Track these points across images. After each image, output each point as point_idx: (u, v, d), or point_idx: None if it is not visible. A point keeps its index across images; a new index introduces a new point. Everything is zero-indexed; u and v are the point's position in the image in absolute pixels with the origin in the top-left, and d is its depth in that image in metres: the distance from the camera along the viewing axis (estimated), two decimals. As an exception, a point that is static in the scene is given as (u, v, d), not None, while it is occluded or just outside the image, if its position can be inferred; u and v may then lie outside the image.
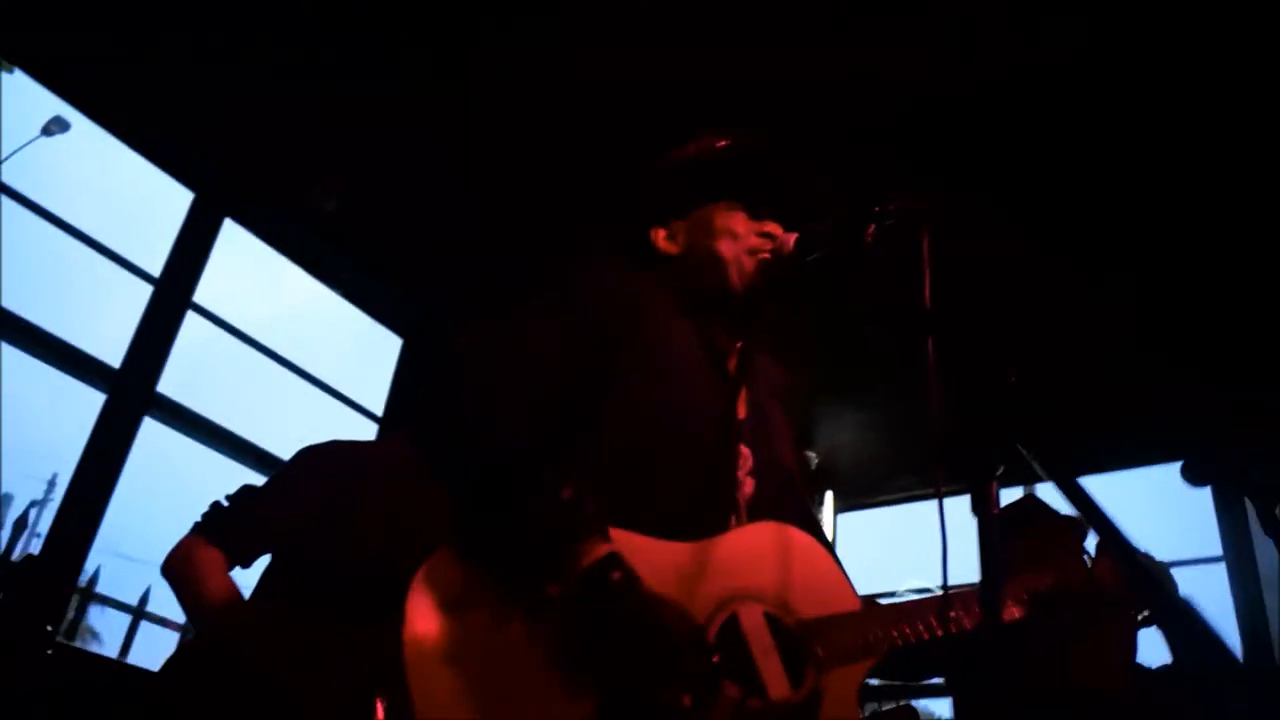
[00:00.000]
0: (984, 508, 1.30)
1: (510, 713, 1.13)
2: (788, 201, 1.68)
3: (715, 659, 1.20)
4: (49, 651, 2.56)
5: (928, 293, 1.52)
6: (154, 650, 3.62)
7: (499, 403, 1.28)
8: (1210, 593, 4.16)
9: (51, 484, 24.89)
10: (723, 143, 1.67)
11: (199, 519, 2.08)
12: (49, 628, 2.59)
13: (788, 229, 1.66)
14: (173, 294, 3.54)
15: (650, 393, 1.43)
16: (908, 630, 1.41)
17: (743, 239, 1.61)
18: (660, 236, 1.66)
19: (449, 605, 1.17)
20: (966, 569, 1.47)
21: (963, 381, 1.48)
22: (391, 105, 3.67)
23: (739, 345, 1.65)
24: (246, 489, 2.16)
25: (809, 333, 3.82)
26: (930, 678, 2.41)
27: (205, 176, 3.75)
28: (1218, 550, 4.10)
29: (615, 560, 1.17)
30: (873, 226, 1.59)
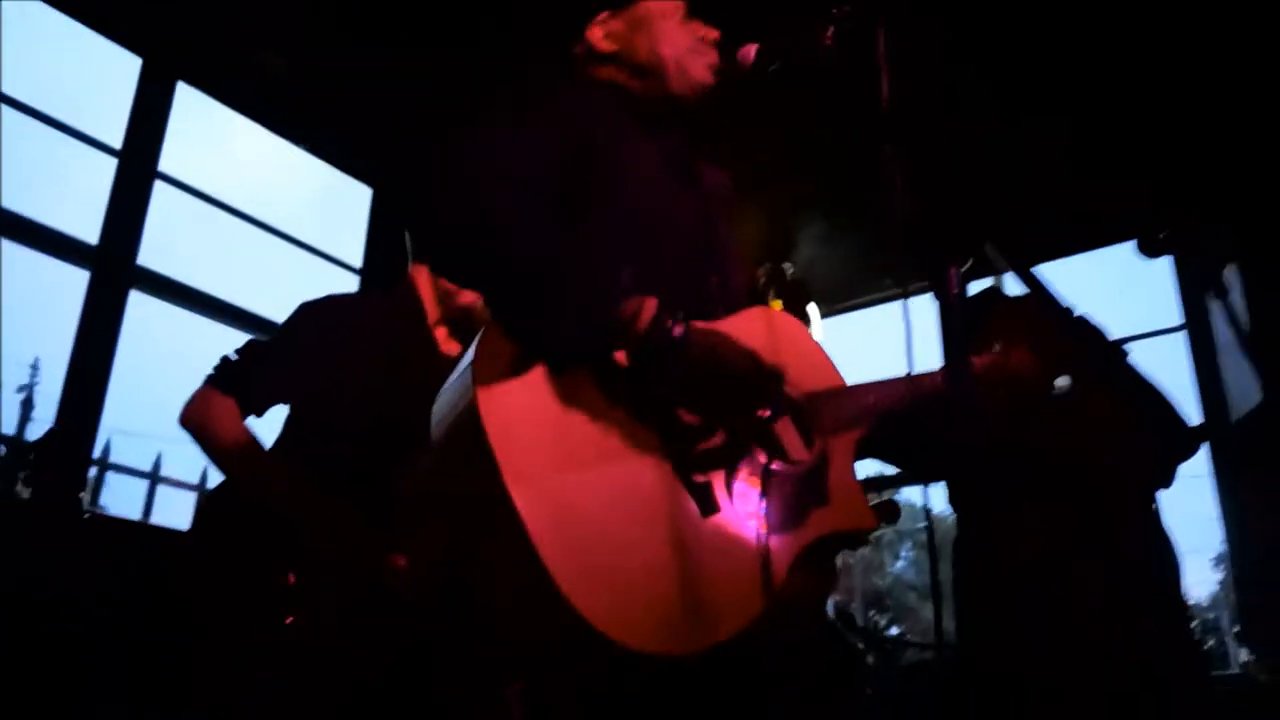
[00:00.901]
0: (944, 294, 1.41)
1: (599, 468, 1.21)
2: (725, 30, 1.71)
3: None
4: (85, 518, 2.70)
5: (885, 94, 1.58)
6: (173, 511, 3.78)
7: (519, 208, 1.30)
8: (1174, 362, 4.37)
9: (35, 367, 24.92)
10: None
11: (210, 372, 2.16)
12: (81, 495, 2.73)
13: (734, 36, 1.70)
14: (138, 165, 3.51)
15: (630, 218, 1.48)
16: (888, 396, 1.55)
17: (682, 40, 1.62)
18: (597, 35, 1.65)
19: (517, 377, 1.21)
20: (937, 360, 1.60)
21: (922, 180, 1.56)
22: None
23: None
24: (252, 343, 2.23)
25: (776, 146, 3.86)
26: (912, 461, 2.59)
27: (152, 39, 3.66)
28: (1178, 320, 4.27)
29: (665, 314, 1.25)
30: (831, 29, 1.64)
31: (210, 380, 2.15)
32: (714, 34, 1.65)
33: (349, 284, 4.45)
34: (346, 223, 4.74)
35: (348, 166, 4.60)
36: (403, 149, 4.50)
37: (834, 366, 1.58)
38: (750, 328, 1.47)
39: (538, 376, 1.24)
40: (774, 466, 1.33)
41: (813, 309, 5.23)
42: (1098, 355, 2.38)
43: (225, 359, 2.17)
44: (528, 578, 1.10)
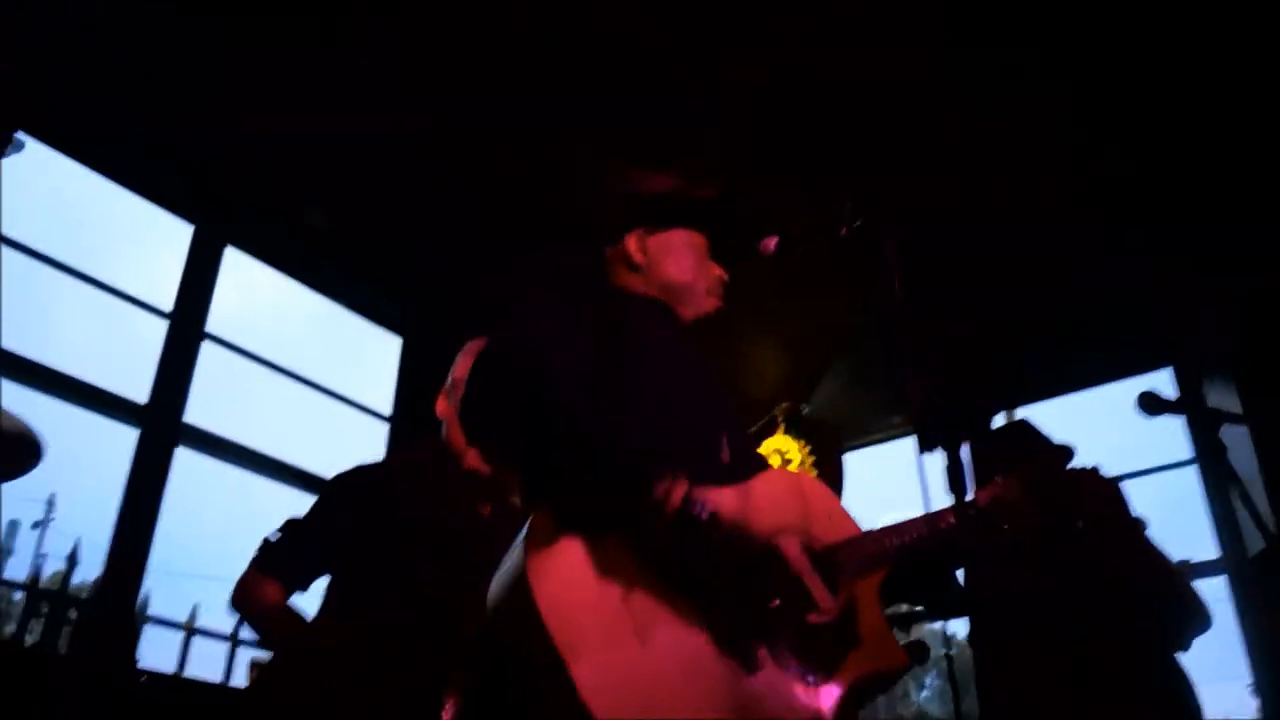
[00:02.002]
0: (954, 473, 1.56)
1: (645, 636, 1.33)
2: (750, 230, 1.93)
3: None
4: (142, 680, 2.79)
5: (897, 285, 1.76)
6: (206, 662, 3.83)
7: (571, 393, 1.47)
8: (1185, 497, 4.44)
9: (50, 504, 24.96)
10: (692, 187, 1.91)
11: (253, 556, 2.29)
12: (134, 655, 2.82)
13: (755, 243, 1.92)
14: (187, 326, 3.71)
15: (654, 393, 1.65)
16: (905, 538, 1.67)
17: (699, 275, 1.87)
18: (633, 246, 1.88)
19: (563, 560, 1.35)
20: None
21: (933, 359, 1.71)
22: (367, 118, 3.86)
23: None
24: (290, 523, 2.36)
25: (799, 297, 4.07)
26: (932, 597, 2.67)
27: (202, 207, 3.90)
28: (1188, 454, 4.37)
29: (694, 496, 1.42)
30: (845, 228, 1.83)
31: (254, 563, 2.27)
32: (723, 275, 1.89)
33: (380, 431, 4.60)
34: (378, 372, 4.91)
35: (380, 318, 4.81)
36: (428, 310, 4.72)
37: (852, 520, 1.72)
38: (776, 486, 1.64)
39: (580, 551, 1.37)
40: (809, 617, 1.47)
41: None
42: (1109, 505, 2.51)
43: (266, 541, 2.30)
44: None
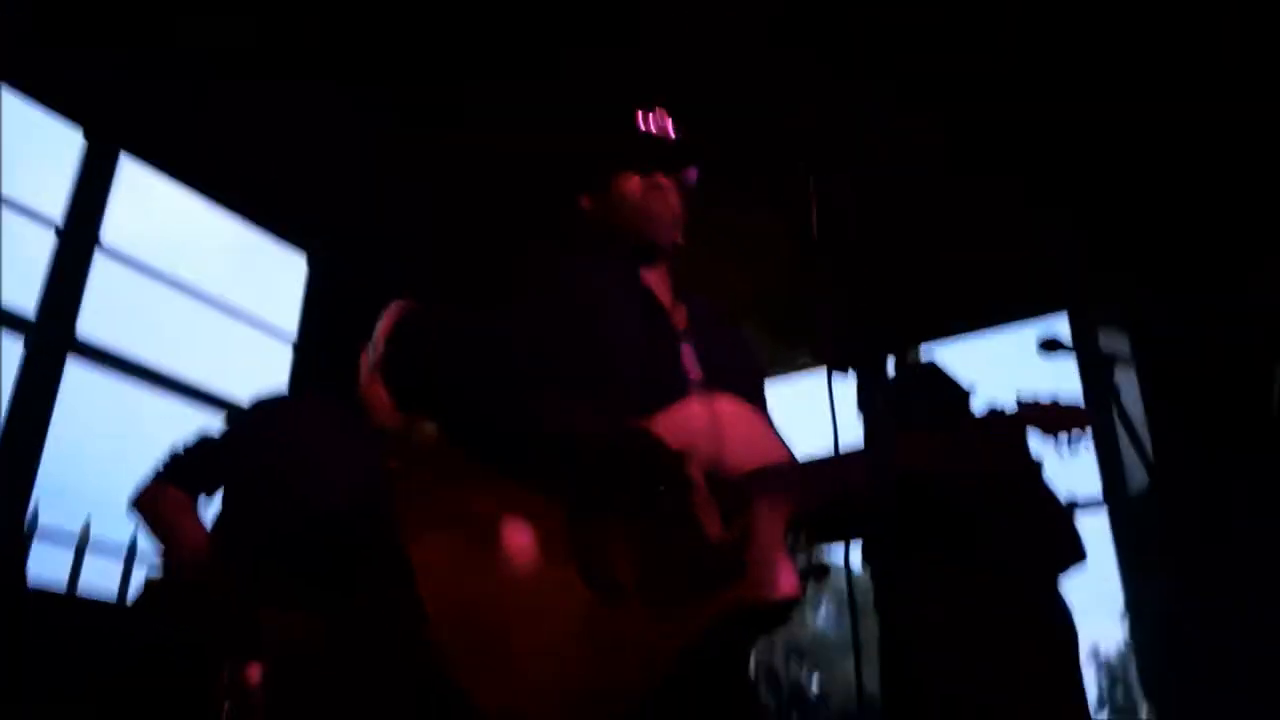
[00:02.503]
0: (870, 393, 1.60)
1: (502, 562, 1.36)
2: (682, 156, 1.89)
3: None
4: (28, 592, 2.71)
5: (814, 223, 1.77)
6: (100, 578, 3.74)
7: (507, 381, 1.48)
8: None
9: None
10: (634, 128, 1.85)
11: (161, 460, 2.25)
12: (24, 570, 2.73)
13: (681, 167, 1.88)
14: (79, 237, 3.54)
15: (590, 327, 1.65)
16: (816, 475, 1.68)
17: (643, 196, 1.83)
18: (587, 204, 1.87)
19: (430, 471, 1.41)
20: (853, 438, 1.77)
21: (851, 280, 1.74)
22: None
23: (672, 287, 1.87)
24: (203, 439, 2.32)
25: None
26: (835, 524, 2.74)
27: (93, 110, 3.70)
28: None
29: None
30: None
31: (161, 467, 2.23)
32: (663, 178, 1.82)
33: (284, 353, 4.49)
34: (281, 291, 4.79)
35: (285, 234, 4.66)
36: (336, 227, 4.59)
37: (782, 444, 1.69)
38: (689, 414, 1.60)
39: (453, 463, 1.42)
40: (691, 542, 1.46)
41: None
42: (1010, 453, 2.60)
43: (175, 454, 2.26)
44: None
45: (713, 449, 1.57)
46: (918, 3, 3.42)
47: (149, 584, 2.42)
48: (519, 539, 1.38)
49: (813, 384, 6.07)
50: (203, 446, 2.33)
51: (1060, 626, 2.75)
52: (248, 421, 2.40)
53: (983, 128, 3.98)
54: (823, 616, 28.54)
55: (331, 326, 4.51)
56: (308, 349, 4.46)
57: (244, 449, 2.33)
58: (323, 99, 4.18)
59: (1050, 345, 2.39)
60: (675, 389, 1.62)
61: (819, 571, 3.31)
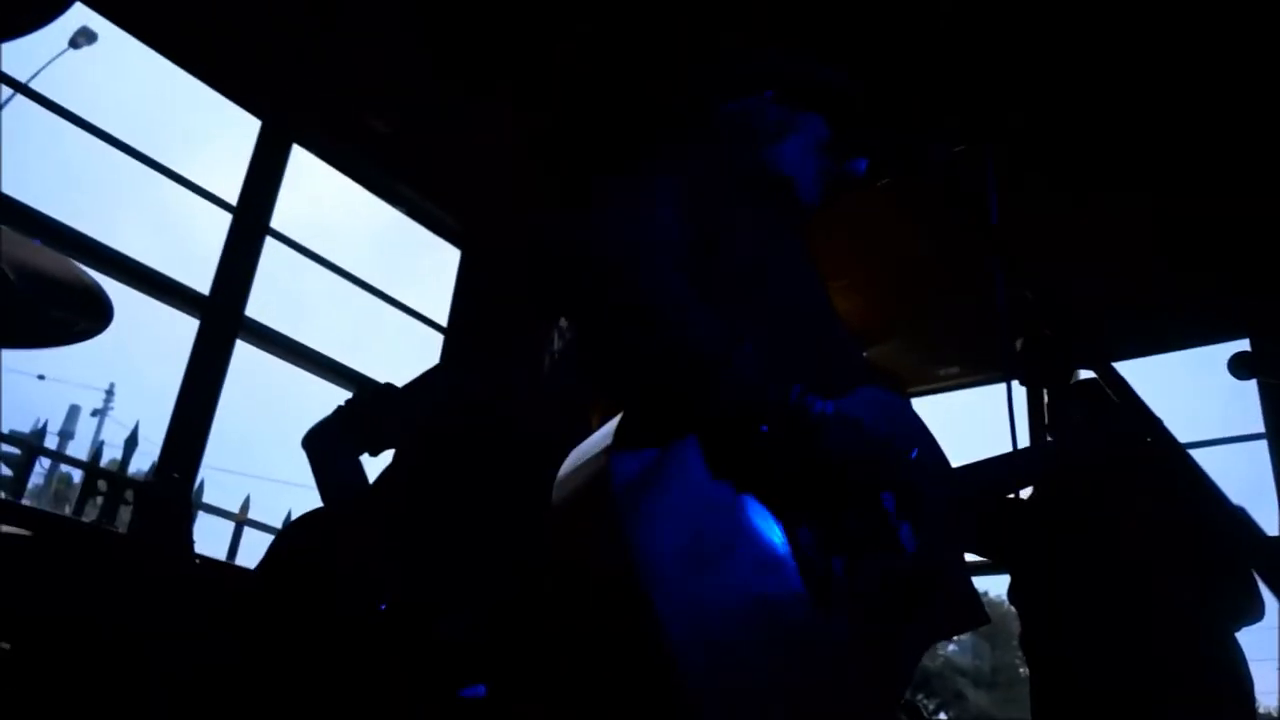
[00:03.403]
0: (1058, 400, 1.49)
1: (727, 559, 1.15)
2: (860, 133, 1.78)
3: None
4: (197, 561, 2.85)
5: (994, 211, 1.67)
6: (257, 552, 3.90)
7: (674, 285, 1.27)
8: (1257, 469, 4.32)
9: (109, 393, 25.68)
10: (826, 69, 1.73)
11: (342, 404, 2.30)
12: (191, 538, 2.87)
13: (857, 156, 1.77)
14: (251, 221, 3.71)
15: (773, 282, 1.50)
16: (997, 474, 1.58)
17: (819, 159, 1.69)
18: (756, 106, 1.69)
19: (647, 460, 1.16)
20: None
21: (1025, 290, 1.63)
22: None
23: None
24: (387, 386, 2.36)
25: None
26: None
27: (272, 103, 3.88)
28: (1260, 427, 4.23)
29: (810, 395, 1.25)
30: (938, 151, 1.73)
31: (339, 411, 2.28)
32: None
33: (435, 341, 4.60)
34: (437, 281, 4.91)
35: (440, 229, 4.78)
36: (490, 222, 4.69)
37: (943, 450, 1.56)
38: (881, 402, 1.46)
39: (675, 459, 1.18)
40: (893, 562, 1.32)
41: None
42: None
43: (358, 395, 2.30)
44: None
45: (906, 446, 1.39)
46: None
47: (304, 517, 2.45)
48: (742, 535, 1.19)
49: (951, 400, 5.90)
50: (383, 393, 2.36)
51: (1233, 681, 2.54)
52: (434, 378, 2.43)
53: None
54: (953, 647, 27.64)
55: (481, 316, 4.60)
56: (456, 337, 4.56)
57: (424, 402, 2.35)
58: (485, 102, 4.28)
59: (1246, 363, 2.21)
60: (853, 374, 1.50)
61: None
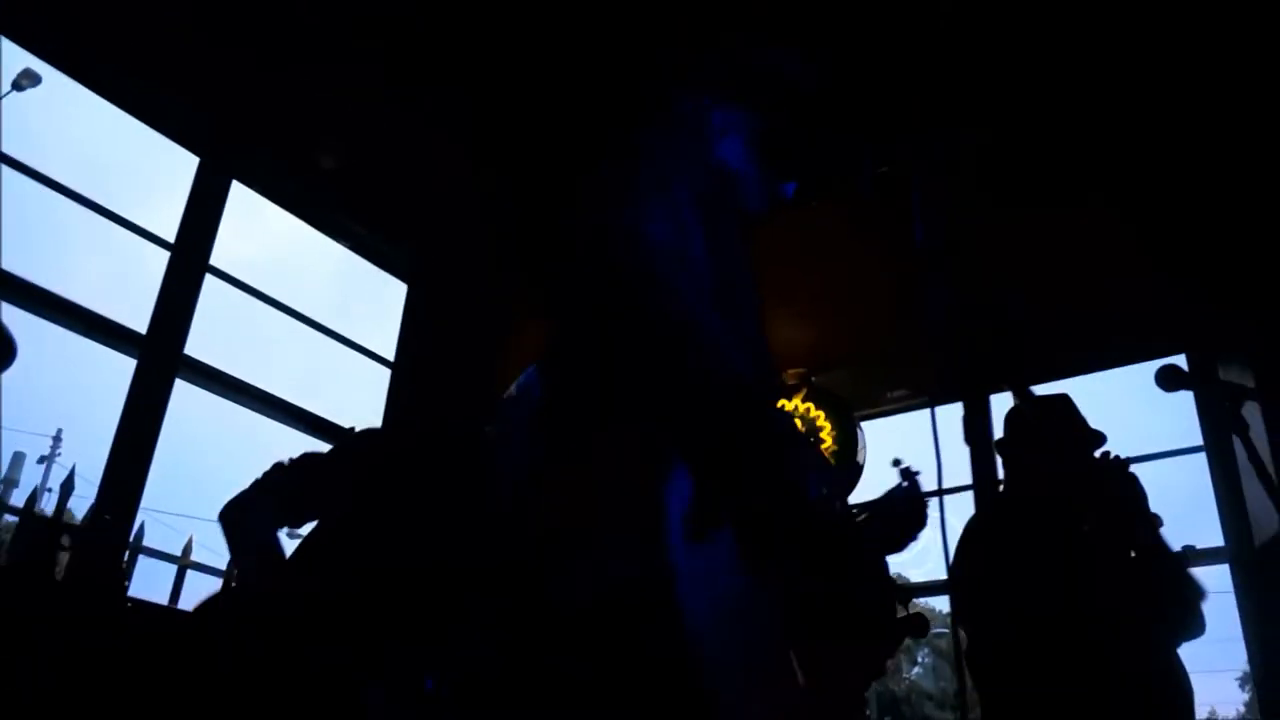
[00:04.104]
0: (977, 418, 1.50)
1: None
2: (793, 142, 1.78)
3: None
4: (129, 605, 2.78)
5: (920, 232, 1.69)
6: (198, 596, 3.82)
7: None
8: (1194, 482, 4.38)
9: (57, 439, 25.11)
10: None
11: (260, 476, 2.25)
12: (125, 583, 2.80)
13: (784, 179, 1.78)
14: (190, 258, 3.66)
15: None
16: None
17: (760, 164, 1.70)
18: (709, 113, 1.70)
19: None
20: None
21: (953, 308, 1.65)
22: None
23: None
24: (307, 455, 2.31)
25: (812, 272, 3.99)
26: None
27: (208, 140, 3.84)
28: (1199, 441, 4.30)
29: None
30: (869, 173, 1.75)
31: (258, 485, 2.24)
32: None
33: (381, 376, 4.56)
34: (381, 317, 4.87)
35: (387, 264, 4.76)
36: (435, 256, 4.67)
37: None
38: None
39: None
40: None
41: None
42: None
43: (277, 465, 2.25)
44: None
45: None
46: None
47: (221, 591, 2.42)
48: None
49: (893, 422, 5.94)
50: (304, 464, 2.32)
51: (1173, 691, 2.57)
52: (354, 442, 2.40)
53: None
54: (918, 669, 27.72)
55: (428, 351, 4.57)
56: (405, 373, 4.52)
57: (343, 468, 2.31)
58: (431, 132, 4.28)
59: (1171, 376, 2.25)
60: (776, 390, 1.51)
61: (917, 624, 3.18)
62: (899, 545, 2.85)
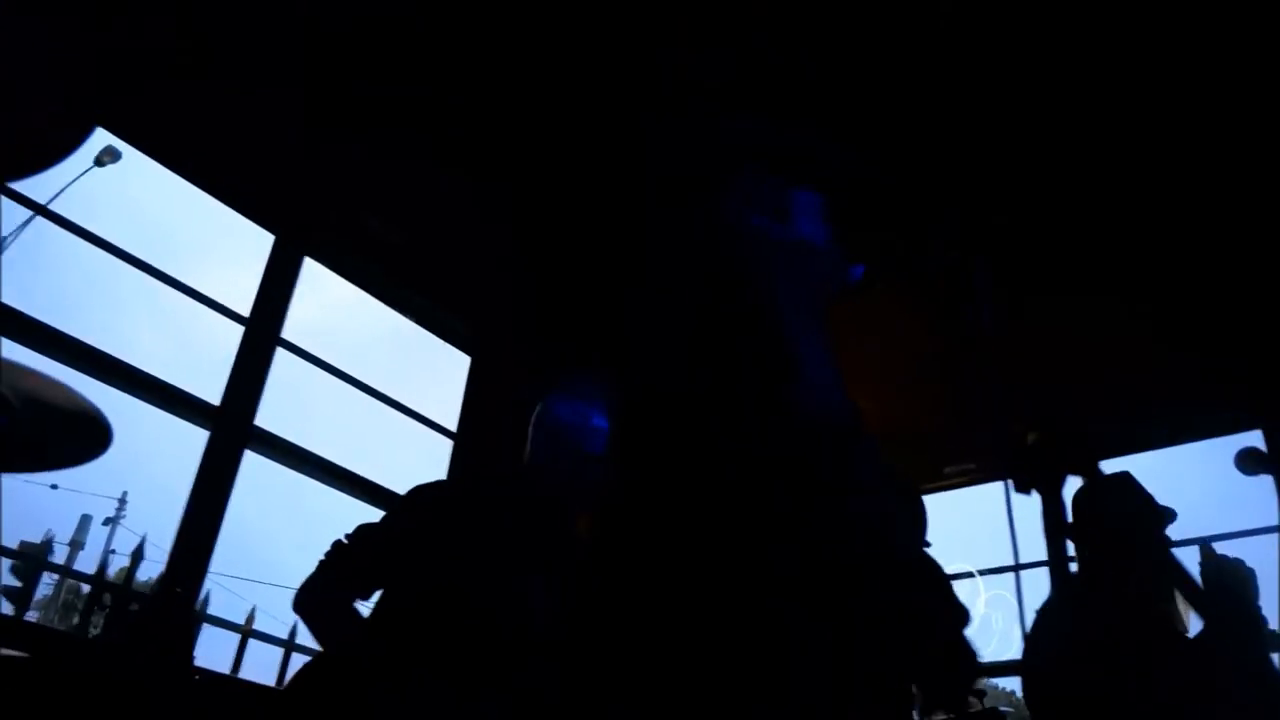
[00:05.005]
0: (1054, 510, 1.49)
1: None
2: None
3: None
4: (196, 677, 2.82)
5: (987, 320, 1.69)
6: (259, 666, 3.86)
7: None
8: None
9: (122, 501, 25.66)
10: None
11: (322, 557, 2.29)
12: (192, 652, 2.85)
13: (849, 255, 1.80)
14: (262, 332, 3.76)
15: None
16: None
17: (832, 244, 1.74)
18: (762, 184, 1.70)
19: None
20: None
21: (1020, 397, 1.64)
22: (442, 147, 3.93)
23: None
24: (362, 527, 2.36)
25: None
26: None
27: (283, 218, 3.97)
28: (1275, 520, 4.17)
29: None
30: (933, 260, 1.76)
31: (322, 565, 2.28)
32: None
33: (444, 447, 4.61)
34: (445, 389, 4.94)
35: (449, 335, 4.84)
36: (497, 330, 4.75)
37: None
38: None
39: None
40: None
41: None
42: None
43: (338, 543, 2.30)
44: None
45: None
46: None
47: (304, 669, 2.46)
48: None
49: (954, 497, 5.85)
50: (362, 535, 2.36)
51: None
52: (403, 501, 2.44)
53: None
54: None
55: (489, 424, 4.62)
56: (467, 444, 4.56)
57: (405, 525, 2.36)
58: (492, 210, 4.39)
59: (1251, 459, 2.20)
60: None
61: (994, 717, 3.09)
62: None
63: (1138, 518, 2.65)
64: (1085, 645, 2.55)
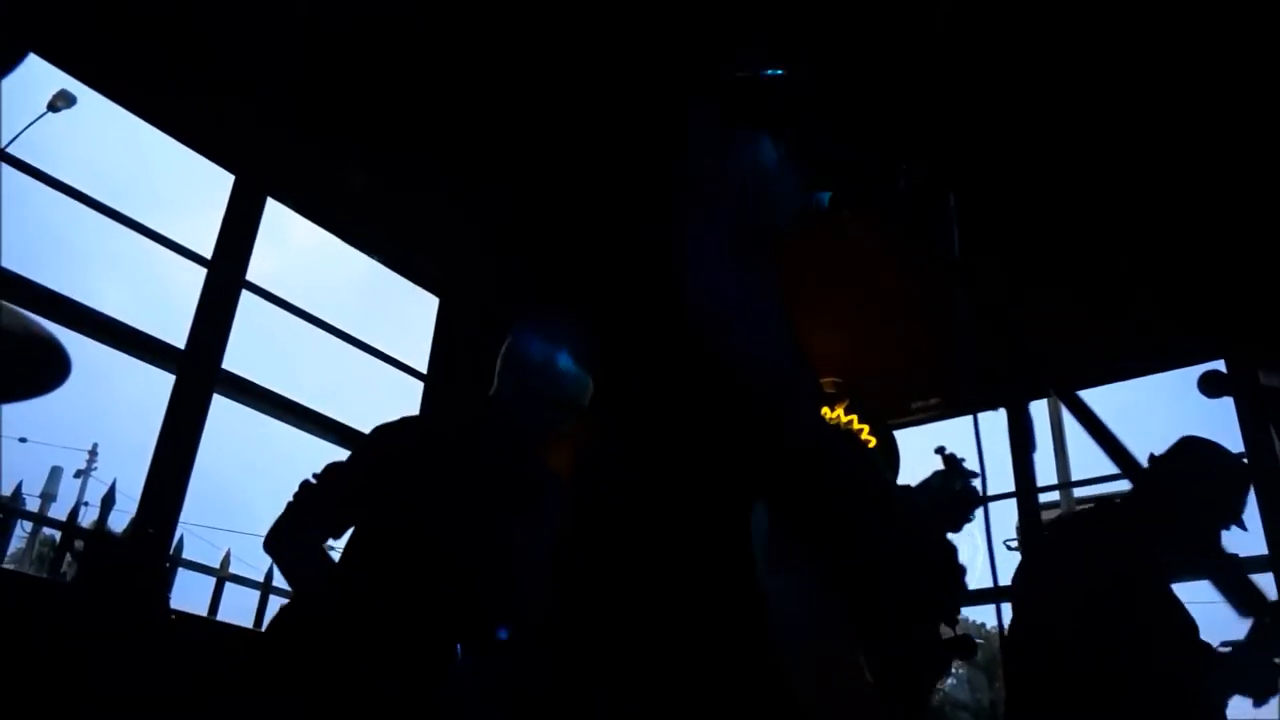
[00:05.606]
0: (1021, 433, 1.50)
1: None
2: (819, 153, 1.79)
3: None
4: (173, 618, 2.82)
5: (957, 244, 1.69)
6: (237, 608, 3.86)
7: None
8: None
9: (93, 453, 25.46)
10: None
11: (291, 498, 2.29)
12: (168, 595, 2.85)
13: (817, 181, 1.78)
14: (226, 275, 3.71)
15: None
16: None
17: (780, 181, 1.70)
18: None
19: None
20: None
21: (990, 317, 1.64)
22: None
23: None
24: (330, 467, 2.36)
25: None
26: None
27: (243, 159, 3.89)
28: (1239, 446, 4.26)
29: None
30: (902, 181, 1.74)
31: (290, 506, 2.28)
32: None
33: (415, 389, 4.59)
34: (414, 330, 4.91)
35: (418, 277, 4.79)
36: (467, 269, 4.70)
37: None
38: None
39: None
40: None
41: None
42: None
43: (306, 483, 2.30)
44: None
45: None
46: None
47: (282, 611, 2.47)
48: None
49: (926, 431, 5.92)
50: (331, 474, 2.35)
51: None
52: (378, 438, 2.43)
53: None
54: (952, 680, 27.47)
55: (460, 363, 4.59)
56: (438, 385, 4.55)
57: (361, 464, 2.36)
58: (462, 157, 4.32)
59: (1214, 382, 2.23)
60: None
61: (965, 645, 3.18)
62: (957, 525, 2.89)
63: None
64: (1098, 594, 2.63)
